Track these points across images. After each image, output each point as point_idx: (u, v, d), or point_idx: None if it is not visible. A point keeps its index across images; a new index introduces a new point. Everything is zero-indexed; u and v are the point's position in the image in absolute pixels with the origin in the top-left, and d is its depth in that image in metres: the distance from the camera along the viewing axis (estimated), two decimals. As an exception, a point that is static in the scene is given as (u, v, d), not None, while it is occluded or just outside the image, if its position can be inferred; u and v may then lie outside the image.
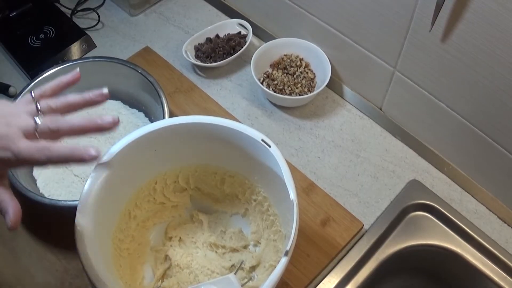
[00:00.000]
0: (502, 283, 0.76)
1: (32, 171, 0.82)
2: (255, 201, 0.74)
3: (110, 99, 0.88)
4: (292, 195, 0.60)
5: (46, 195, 0.79)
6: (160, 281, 0.73)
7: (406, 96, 0.83)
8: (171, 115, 0.80)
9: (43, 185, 0.81)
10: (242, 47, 0.98)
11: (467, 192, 0.84)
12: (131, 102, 0.91)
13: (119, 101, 0.91)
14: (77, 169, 0.82)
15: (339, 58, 0.92)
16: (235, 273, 0.68)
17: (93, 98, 0.55)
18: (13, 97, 0.88)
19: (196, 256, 0.75)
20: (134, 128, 0.86)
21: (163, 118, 0.80)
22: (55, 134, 0.51)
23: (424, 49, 0.73)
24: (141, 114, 0.90)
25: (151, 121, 0.88)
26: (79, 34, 1.02)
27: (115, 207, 0.68)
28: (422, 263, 0.83)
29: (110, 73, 0.88)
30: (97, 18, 1.08)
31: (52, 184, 0.81)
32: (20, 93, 0.83)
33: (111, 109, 0.90)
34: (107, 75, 0.88)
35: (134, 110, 0.90)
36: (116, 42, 1.05)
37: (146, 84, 0.85)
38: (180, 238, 0.77)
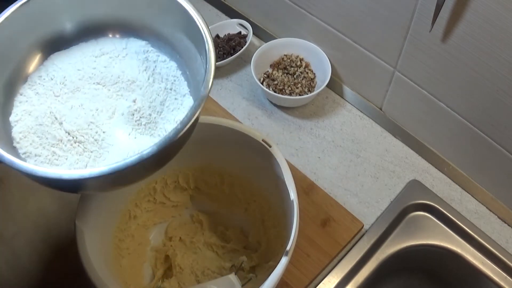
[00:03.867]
0: (502, 283, 0.76)
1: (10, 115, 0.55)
2: (255, 201, 0.74)
3: (135, 37, 0.63)
4: (292, 195, 0.60)
5: (21, 153, 0.52)
6: (160, 281, 0.73)
7: (406, 96, 0.83)
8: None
9: (20, 137, 0.53)
10: (242, 47, 0.98)
11: (467, 192, 0.84)
12: (162, 46, 0.62)
13: (147, 42, 0.62)
14: (69, 124, 0.54)
15: (339, 58, 0.92)
16: (235, 274, 0.68)
17: None
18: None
19: (196, 256, 0.75)
20: (159, 83, 0.60)
21: (205, 75, 0.52)
22: None
23: (424, 49, 0.73)
24: (173, 65, 0.61)
25: (185, 76, 0.60)
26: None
27: (115, 207, 0.68)
28: (422, 263, 0.83)
29: (142, 2, 0.60)
30: (97, 18, 1.06)
31: (32, 138, 0.54)
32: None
33: (134, 52, 0.61)
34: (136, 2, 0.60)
35: (165, 58, 0.61)
36: (116, 42, 1.04)
37: (188, 22, 0.56)
38: (180, 238, 0.77)
